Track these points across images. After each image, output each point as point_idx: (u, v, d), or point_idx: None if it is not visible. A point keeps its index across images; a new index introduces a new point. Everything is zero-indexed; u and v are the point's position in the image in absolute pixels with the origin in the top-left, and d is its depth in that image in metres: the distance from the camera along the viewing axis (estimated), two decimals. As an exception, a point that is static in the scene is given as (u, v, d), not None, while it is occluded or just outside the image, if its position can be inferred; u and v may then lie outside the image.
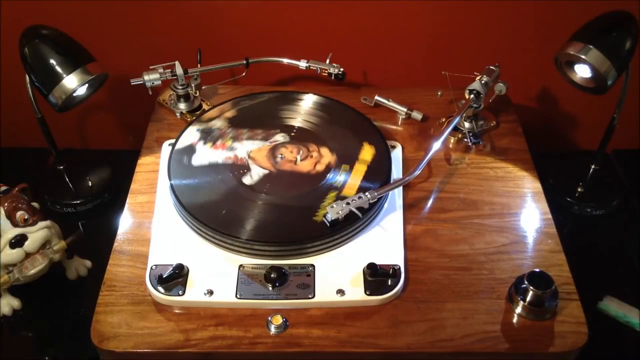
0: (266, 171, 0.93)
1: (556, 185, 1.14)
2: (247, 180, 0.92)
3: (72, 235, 0.95)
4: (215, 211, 0.87)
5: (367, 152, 0.96)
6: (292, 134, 1.00)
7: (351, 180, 0.92)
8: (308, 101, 1.07)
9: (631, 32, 0.95)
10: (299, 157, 0.95)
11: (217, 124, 1.01)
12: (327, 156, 0.95)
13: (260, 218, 0.87)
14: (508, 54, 1.17)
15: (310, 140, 0.99)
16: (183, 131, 1.00)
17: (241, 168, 0.94)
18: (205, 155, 0.96)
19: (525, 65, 1.19)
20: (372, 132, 1.00)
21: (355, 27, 1.16)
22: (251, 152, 0.96)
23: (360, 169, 0.93)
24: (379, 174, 0.93)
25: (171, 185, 0.91)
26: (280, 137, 0.99)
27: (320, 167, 0.94)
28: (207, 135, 0.99)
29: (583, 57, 0.94)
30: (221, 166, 0.94)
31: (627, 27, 0.95)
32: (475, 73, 1.04)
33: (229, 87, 1.16)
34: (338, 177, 0.92)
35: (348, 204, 0.84)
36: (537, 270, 0.81)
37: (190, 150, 0.97)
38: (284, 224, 0.86)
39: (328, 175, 0.93)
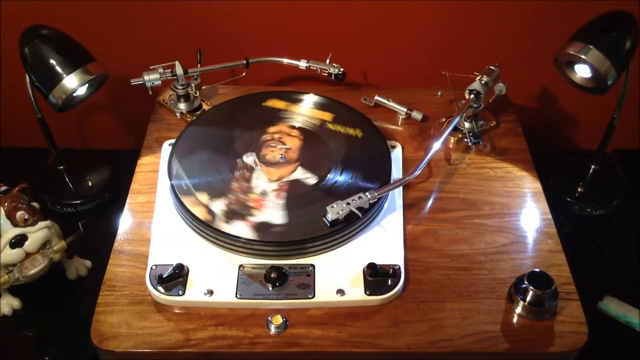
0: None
1: (556, 185, 1.14)
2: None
3: (72, 235, 0.95)
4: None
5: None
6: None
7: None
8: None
9: (631, 32, 0.95)
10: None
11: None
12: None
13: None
14: (508, 54, 1.17)
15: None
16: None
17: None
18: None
19: (525, 65, 1.19)
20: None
21: (355, 27, 1.16)
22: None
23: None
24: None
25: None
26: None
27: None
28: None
29: (583, 57, 0.94)
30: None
31: (627, 27, 0.95)
32: (475, 73, 1.03)
33: (229, 87, 1.16)
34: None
35: (348, 204, 0.84)
36: (537, 270, 0.80)
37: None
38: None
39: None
